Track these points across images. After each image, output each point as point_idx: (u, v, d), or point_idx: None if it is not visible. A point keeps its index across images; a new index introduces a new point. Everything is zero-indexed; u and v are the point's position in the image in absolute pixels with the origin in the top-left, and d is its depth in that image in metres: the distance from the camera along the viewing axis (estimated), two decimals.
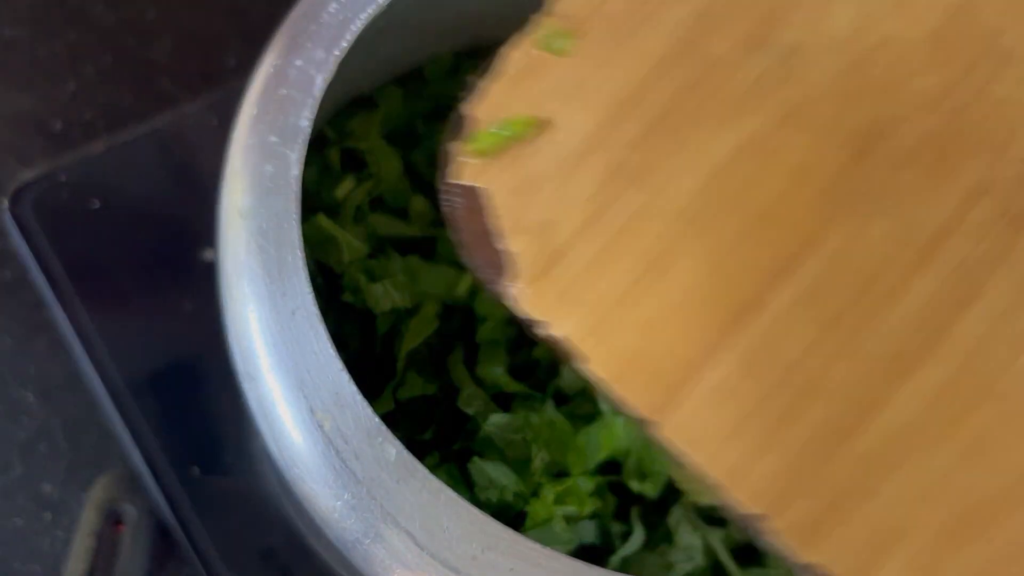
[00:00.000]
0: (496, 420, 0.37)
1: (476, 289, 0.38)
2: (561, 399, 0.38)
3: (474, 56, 0.46)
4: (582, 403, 0.38)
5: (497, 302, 0.37)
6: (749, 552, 0.42)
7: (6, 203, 0.49)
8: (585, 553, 0.37)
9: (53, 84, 0.55)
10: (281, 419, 0.28)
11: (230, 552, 0.45)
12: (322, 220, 0.38)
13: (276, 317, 0.29)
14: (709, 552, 0.39)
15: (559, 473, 0.38)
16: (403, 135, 0.44)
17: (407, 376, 0.38)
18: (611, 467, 0.37)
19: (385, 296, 0.38)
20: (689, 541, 0.38)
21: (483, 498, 0.36)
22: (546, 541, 0.28)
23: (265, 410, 0.29)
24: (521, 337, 0.38)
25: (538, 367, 0.39)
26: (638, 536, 0.38)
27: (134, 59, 0.56)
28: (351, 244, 0.39)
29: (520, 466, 0.37)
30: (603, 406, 0.37)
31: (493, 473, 0.36)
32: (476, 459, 0.36)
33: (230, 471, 0.47)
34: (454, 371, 0.39)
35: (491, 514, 0.28)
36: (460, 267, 0.39)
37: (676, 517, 0.39)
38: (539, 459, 0.36)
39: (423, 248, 0.42)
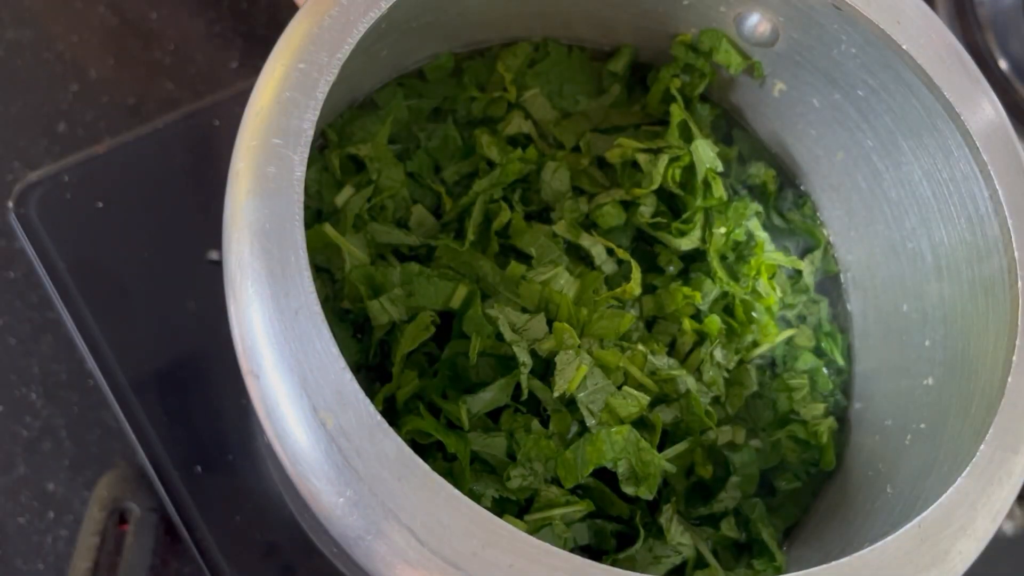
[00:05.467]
0: (479, 440, 0.37)
1: (467, 304, 0.39)
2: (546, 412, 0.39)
3: (474, 57, 0.47)
4: (565, 418, 0.38)
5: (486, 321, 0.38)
6: (739, 551, 0.42)
7: (11, 204, 0.49)
8: (581, 553, 0.38)
9: (56, 86, 0.55)
10: (284, 417, 0.29)
11: (233, 549, 0.45)
12: (327, 229, 0.39)
13: (279, 316, 0.29)
14: (698, 549, 0.40)
15: (553, 479, 0.38)
16: (403, 139, 0.45)
17: (404, 377, 0.38)
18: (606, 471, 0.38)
19: (382, 312, 0.38)
20: (679, 539, 0.39)
21: None
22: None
23: (268, 408, 0.29)
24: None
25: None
26: (641, 539, 0.39)
27: (137, 61, 0.57)
28: (353, 253, 0.39)
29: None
30: (589, 421, 0.38)
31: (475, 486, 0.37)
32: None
33: (233, 469, 0.47)
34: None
35: None
36: (456, 276, 0.39)
37: (667, 516, 0.39)
38: (518, 476, 0.37)
39: (422, 252, 0.42)
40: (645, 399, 0.38)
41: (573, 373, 0.38)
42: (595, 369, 0.38)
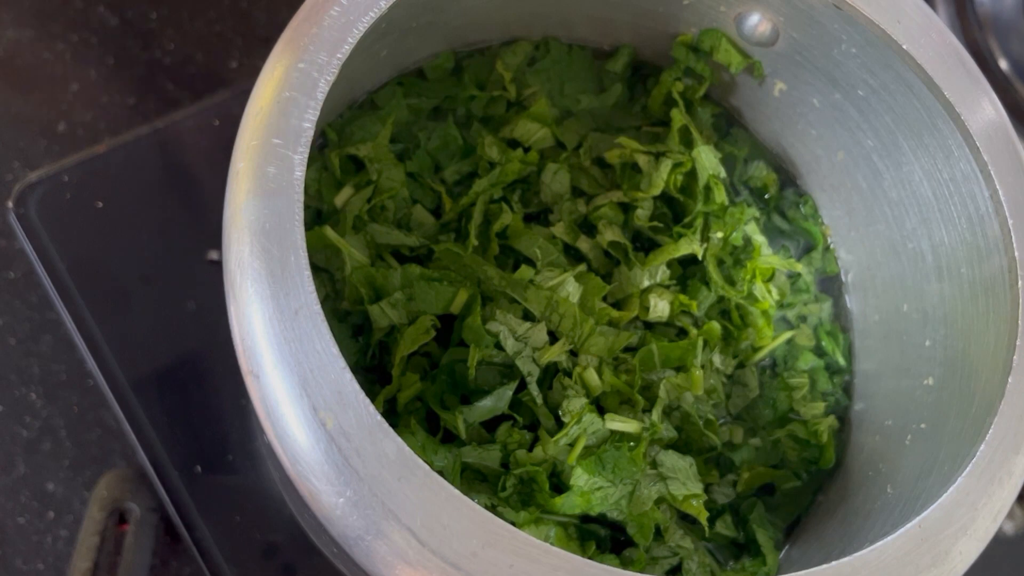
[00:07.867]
0: (474, 453, 0.37)
1: (468, 310, 0.39)
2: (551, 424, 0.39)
3: (474, 56, 0.46)
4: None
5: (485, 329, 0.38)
6: (738, 551, 0.42)
7: (10, 204, 0.49)
8: None
9: (56, 86, 0.55)
10: (284, 417, 0.29)
11: (233, 549, 0.45)
12: (327, 232, 0.39)
13: (279, 316, 0.29)
14: (697, 552, 0.40)
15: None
16: (403, 139, 0.45)
17: (404, 380, 0.38)
18: None
19: (383, 316, 0.38)
20: (679, 541, 0.39)
21: None
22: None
23: (268, 408, 0.29)
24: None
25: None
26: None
27: (136, 61, 0.57)
28: (353, 255, 0.39)
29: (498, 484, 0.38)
30: (576, 480, 0.38)
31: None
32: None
33: (233, 469, 0.47)
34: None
35: None
36: (458, 279, 0.39)
37: (666, 517, 0.39)
38: (512, 487, 0.37)
39: (422, 252, 0.42)
40: (638, 427, 0.39)
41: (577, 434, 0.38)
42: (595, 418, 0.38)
